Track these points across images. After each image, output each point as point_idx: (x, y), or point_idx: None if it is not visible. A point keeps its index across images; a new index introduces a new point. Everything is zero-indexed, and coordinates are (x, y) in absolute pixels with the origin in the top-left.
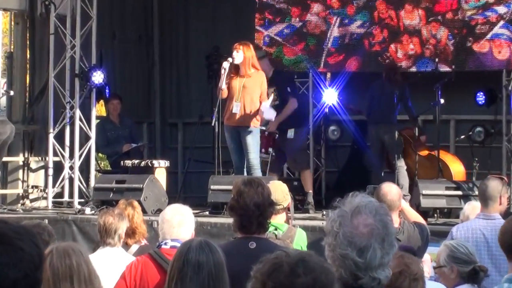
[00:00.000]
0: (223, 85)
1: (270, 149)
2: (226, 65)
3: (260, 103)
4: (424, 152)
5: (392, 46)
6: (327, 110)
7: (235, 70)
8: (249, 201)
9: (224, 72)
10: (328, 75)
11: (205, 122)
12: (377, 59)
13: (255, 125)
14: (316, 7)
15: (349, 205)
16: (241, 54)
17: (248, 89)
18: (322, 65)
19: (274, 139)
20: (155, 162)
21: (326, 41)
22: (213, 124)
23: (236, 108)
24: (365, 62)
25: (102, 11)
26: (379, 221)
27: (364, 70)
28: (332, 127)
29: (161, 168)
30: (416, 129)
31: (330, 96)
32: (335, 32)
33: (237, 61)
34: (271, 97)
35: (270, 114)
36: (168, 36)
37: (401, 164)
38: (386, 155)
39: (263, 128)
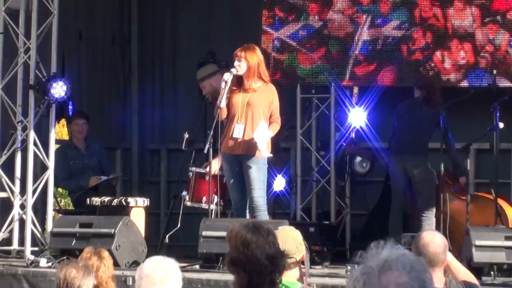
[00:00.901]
0: (222, 102)
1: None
2: (227, 77)
3: (270, 124)
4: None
5: (438, 53)
6: (353, 135)
7: (238, 82)
8: (260, 254)
9: (224, 86)
10: (356, 90)
11: (196, 149)
12: (418, 70)
13: (265, 153)
14: (341, 3)
15: (376, 259)
16: (244, 64)
17: (253, 107)
18: (347, 77)
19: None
20: (131, 200)
21: (353, 46)
22: (206, 151)
23: (238, 131)
24: (403, 74)
25: (65, 4)
26: (415, 279)
27: (401, 84)
28: (359, 158)
29: (138, 208)
30: (467, 161)
31: (357, 117)
32: (364, 34)
33: (240, 73)
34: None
35: (264, 147)
36: (150, 37)
37: (431, 210)
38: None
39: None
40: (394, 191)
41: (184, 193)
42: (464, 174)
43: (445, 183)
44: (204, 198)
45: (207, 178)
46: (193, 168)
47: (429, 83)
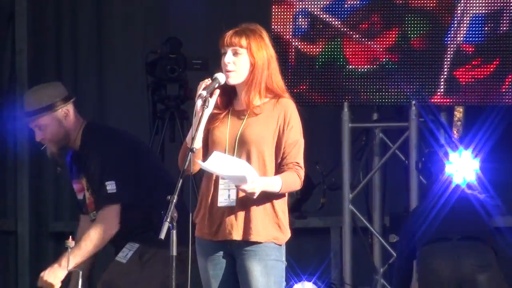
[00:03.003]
0: (197, 142)
1: None
2: (208, 87)
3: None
4: None
5: None
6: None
7: (224, 94)
8: None
9: (201, 109)
10: (459, 113)
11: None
12: None
13: (278, 237)
14: None
15: None
16: (244, 63)
17: (251, 145)
18: (442, 88)
19: None
20: None
21: (452, 27)
22: (162, 237)
23: (227, 194)
24: None
25: None
26: None
27: None
28: None
29: None
30: None
31: (463, 166)
32: (475, 4)
33: (237, 81)
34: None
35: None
36: (55, 11)
37: None
38: None
39: None
40: None
41: None
42: None
43: None
44: None
45: None
46: None
47: None
